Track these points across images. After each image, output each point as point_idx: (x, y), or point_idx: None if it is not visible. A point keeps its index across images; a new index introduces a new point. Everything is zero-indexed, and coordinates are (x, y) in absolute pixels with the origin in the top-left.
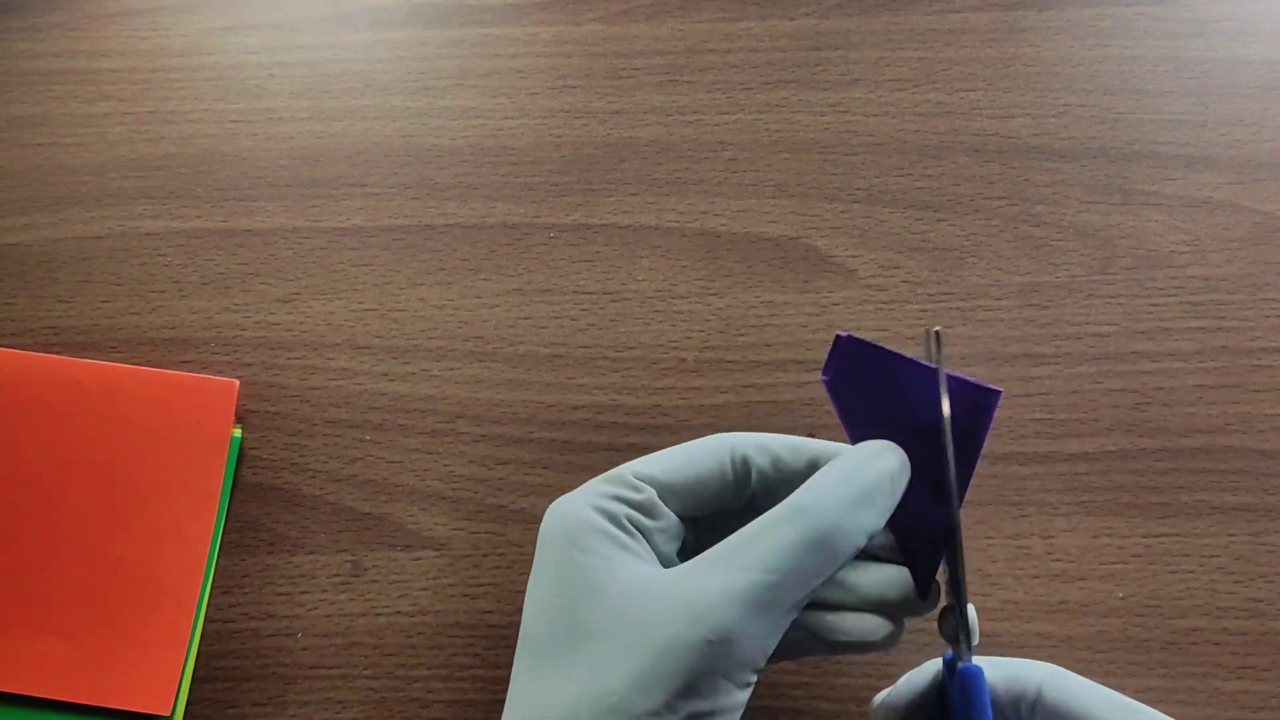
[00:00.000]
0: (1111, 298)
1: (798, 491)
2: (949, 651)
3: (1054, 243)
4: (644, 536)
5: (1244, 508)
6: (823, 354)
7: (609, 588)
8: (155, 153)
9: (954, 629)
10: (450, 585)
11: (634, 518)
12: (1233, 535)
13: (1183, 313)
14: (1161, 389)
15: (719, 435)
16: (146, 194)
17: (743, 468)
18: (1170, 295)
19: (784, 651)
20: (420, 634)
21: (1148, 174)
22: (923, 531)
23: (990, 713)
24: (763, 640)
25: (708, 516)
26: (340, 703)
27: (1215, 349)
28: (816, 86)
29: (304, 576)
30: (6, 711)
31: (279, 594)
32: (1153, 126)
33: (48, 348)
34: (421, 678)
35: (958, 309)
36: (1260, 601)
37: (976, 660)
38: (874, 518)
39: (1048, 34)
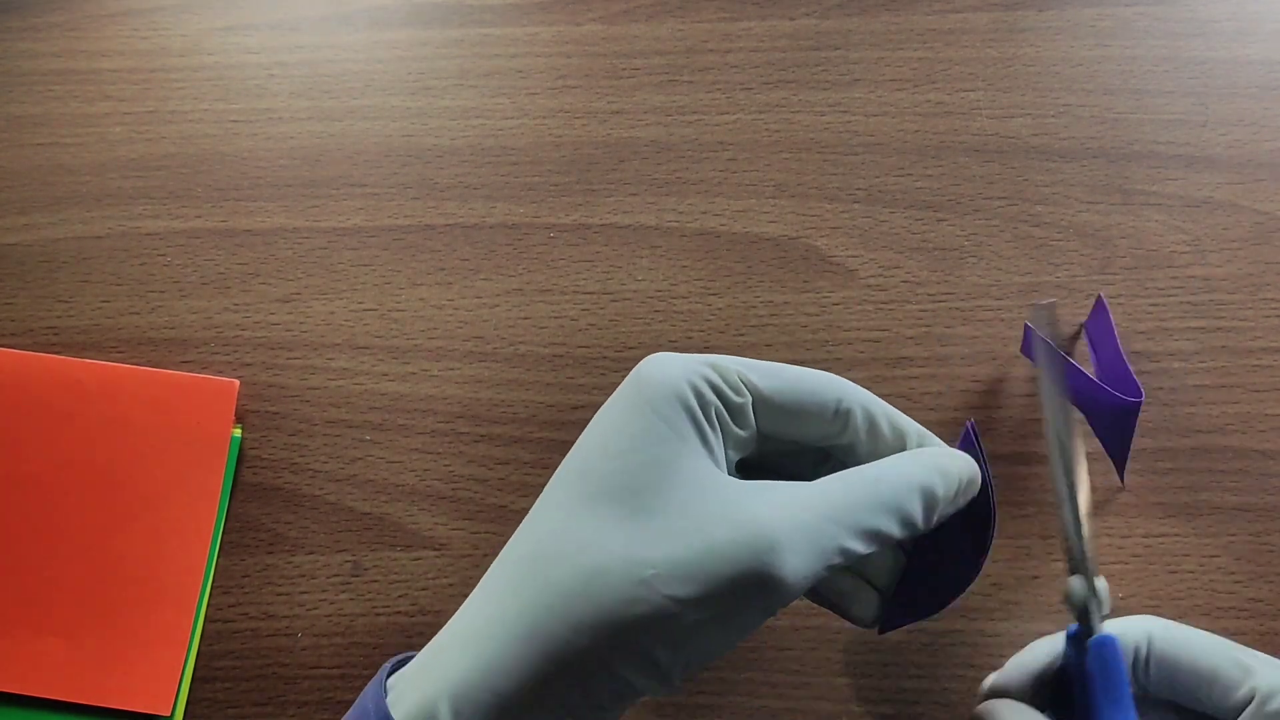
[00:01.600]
0: (1111, 298)
1: (883, 462)
2: (1072, 626)
3: (1054, 243)
4: (723, 436)
5: (1244, 508)
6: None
7: (677, 471)
8: (155, 153)
9: (1083, 600)
10: (450, 585)
11: (723, 416)
12: (1233, 535)
13: (1183, 313)
14: (1161, 389)
15: (830, 376)
16: (146, 194)
17: (843, 420)
18: (1170, 295)
19: None
20: (420, 634)
21: (1148, 174)
22: (922, 593)
23: (1128, 678)
24: (802, 581)
25: (779, 438)
26: (340, 703)
27: (1215, 349)
28: (816, 86)
29: (304, 576)
30: (6, 711)
31: (279, 594)
32: (1153, 126)
33: (48, 348)
34: None
35: (958, 309)
36: (1260, 601)
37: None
38: (925, 518)
39: (1048, 34)
